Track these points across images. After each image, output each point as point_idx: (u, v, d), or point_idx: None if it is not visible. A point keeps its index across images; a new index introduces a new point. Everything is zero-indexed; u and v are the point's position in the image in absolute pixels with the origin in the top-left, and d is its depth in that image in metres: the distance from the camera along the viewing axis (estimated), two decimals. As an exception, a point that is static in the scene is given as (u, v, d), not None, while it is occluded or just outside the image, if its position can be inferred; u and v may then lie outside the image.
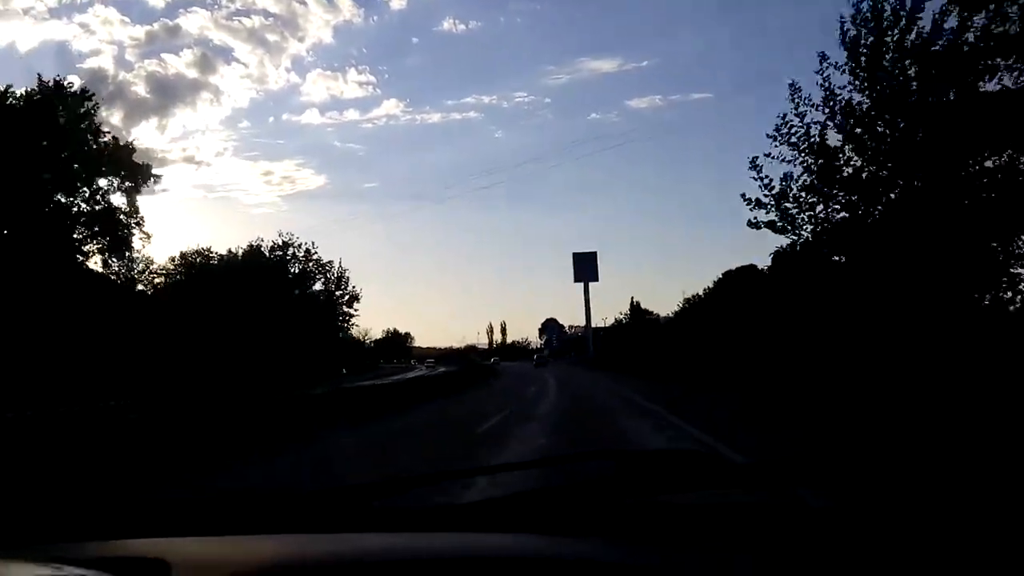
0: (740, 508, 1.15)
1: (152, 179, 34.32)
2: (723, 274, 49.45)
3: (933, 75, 11.34)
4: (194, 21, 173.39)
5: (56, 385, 27.91)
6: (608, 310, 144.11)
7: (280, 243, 57.45)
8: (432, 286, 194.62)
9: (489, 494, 1.33)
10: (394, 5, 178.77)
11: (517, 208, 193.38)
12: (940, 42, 11.37)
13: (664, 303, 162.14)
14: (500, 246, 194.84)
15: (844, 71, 12.22)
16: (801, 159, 12.51)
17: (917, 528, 1.09)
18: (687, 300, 42.75)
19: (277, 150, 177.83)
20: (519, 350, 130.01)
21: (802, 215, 12.39)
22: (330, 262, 60.49)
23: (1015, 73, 10.53)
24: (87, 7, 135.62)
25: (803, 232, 12.65)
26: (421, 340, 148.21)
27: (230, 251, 59.66)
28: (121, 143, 34.22)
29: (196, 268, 57.72)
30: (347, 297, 62.08)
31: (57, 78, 32.76)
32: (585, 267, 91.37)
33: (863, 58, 12.01)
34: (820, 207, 12.48)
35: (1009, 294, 11.70)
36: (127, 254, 34.23)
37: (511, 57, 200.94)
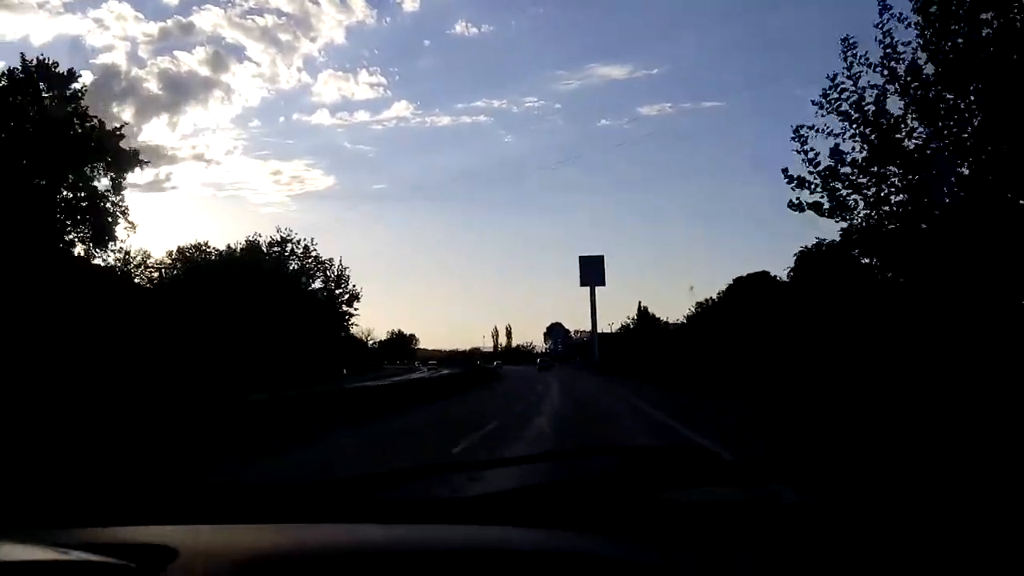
0: (739, 505, 1.16)
1: (140, 165, 32.73)
2: (734, 280, 47.98)
3: (1020, 29, 9.46)
4: (207, 19, 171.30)
5: (44, 378, 27.25)
6: (614, 315, 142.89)
7: (278, 239, 55.77)
8: (438, 289, 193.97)
9: (492, 488, 1.27)
10: (407, 7, 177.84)
11: (525, 212, 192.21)
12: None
13: (671, 309, 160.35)
14: (507, 250, 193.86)
15: (909, 24, 10.30)
16: (853, 131, 10.60)
17: (913, 527, 1.09)
18: (699, 304, 40.79)
19: (287, 150, 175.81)
20: (523, 354, 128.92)
21: (854, 197, 10.47)
22: (330, 260, 58.96)
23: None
24: (101, 2, 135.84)
25: (855, 216, 10.72)
26: (426, 342, 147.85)
27: (229, 247, 58.34)
28: (108, 128, 32.57)
29: (192, 263, 56.51)
30: (347, 296, 60.56)
31: (40, 57, 31.20)
32: (592, 271, 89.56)
33: (933, 6, 10.10)
34: (874, 188, 10.54)
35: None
36: (110, 244, 32.36)
37: (522, 61, 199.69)
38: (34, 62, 30.97)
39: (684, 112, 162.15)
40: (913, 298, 12.95)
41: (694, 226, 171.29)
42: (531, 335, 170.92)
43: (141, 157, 33.95)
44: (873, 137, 10.41)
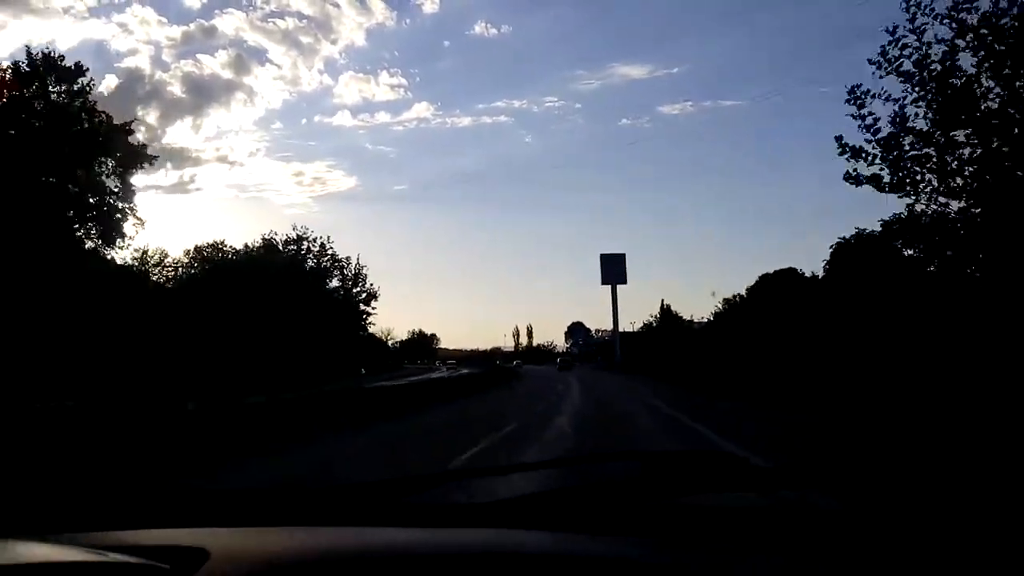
0: (763, 510, 1.17)
1: (149, 161, 31.92)
2: (760, 278, 46.30)
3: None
4: (229, 22, 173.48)
5: (56, 378, 27.00)
6: (636, 314, 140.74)
7: (294, 237, 55.01)
8: (460, 289, 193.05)
9: (515, 492, 1.27)
10: (426, 8, 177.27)
11: (546, 212, 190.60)
12: None
13: (695, 307, 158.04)
14: (528, 249, 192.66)
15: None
16: (917, 94, 9.14)
17: (940, 533, 1.08)
18: (727, 301, 39.21)
19: (309, 151, 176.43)
20: (544, 353, 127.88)
21: (919, 169, 9.01)
22: (347, 258, 58.10)
23: None
24: (125, 7, 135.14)
25: (921, 192, 9.28)
26: (448, 342, 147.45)
27: (247, 245, 57.81)
28: (116, 122, 31.85)
29: (209, 262, 56.13)
30: (364, 295, 59.66)
31: (46, 50, 30.52)
32: (613, 269, 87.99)
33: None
34: (942, 159, 9.06)
35: None
36: (119, 241, 31.61)
37: (542, 62, 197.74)
38: (40, 56, 30.31)
39: (704, 111, 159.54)
40: (969, 293, 11.76)
41: (716, 224, 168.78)
42: (552, 334, 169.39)
43: (158, 155, 33.26)
44: (941, 100, 8.95)
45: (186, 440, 9.83)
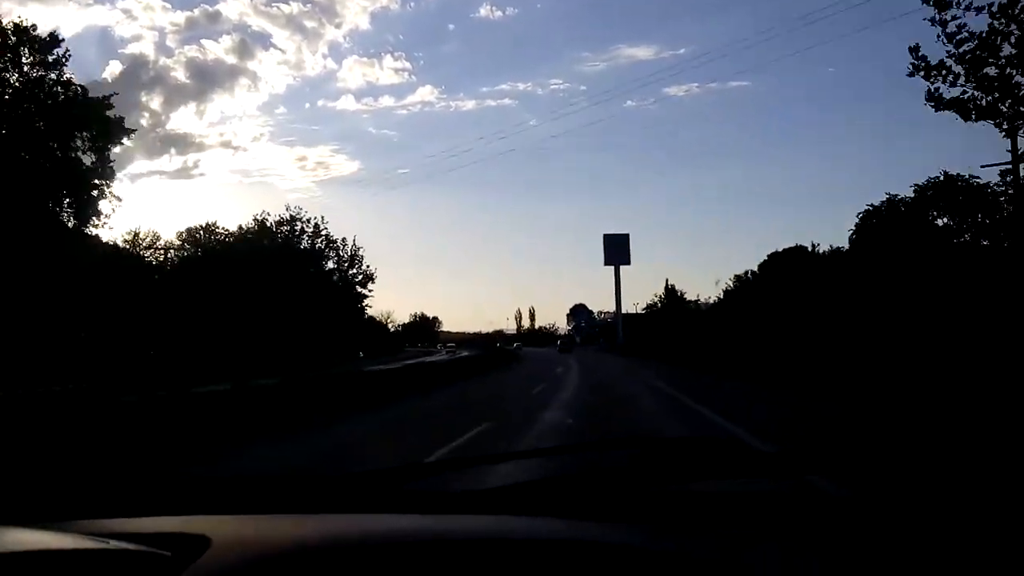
0: (763, 496, 1.15)
1: (126, 135, 30.47)
2: (769, 256, 44.85)
3: None
4: (233, 7, 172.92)
5: (50, 362, 26.24)
6: (640, 296, 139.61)
7: (287, 217, 53.58)
8: (463, 272, 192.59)
9: (517, 479, 1.25)
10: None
11: (550, 194, 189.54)
12: None
13: (699, 288, 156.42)
14: (532, 232, 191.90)
15: None
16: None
17: (937, 519, 1.08)
18: (737, 277, 37.85)
19: (312, 136, 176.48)
20: (546, 336, 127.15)
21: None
22: (343, 239, 56.65)
23: None
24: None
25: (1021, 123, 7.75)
26: (450, 325, 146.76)
27: (240, 227, 56.43)
28: (92, 95, 30.37)
29: (201, 245, 54.96)
30: (361, 276, 58.27)
31: (18, 20, 28.98)
32: (616, 250, 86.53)
33: None
34: None
35: None
36: (93, 219, 30.23)
37: (547, 44, 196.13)
38: (11, 27, 28.80)
39: (710, 92, 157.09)
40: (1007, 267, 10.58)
41: (721, 206, 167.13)
42: (555, 316, 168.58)
43: (136, 129, 31.79)
44: None
45: (186, 425, 9.79)
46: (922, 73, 7.59)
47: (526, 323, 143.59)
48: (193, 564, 0.89)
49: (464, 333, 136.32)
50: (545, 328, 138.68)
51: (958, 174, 15.10)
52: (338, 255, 56.58)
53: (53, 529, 0.99)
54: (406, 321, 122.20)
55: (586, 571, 0.93)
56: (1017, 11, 7.25)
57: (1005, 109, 7.47)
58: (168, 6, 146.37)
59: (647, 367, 29.62)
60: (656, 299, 63.44)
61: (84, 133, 29.43)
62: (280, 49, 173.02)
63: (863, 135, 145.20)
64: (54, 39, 28.66)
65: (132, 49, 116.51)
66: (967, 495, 1.19)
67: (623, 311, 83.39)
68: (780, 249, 41.28)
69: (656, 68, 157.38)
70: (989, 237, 13.86)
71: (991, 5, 7.53)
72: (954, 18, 7.57)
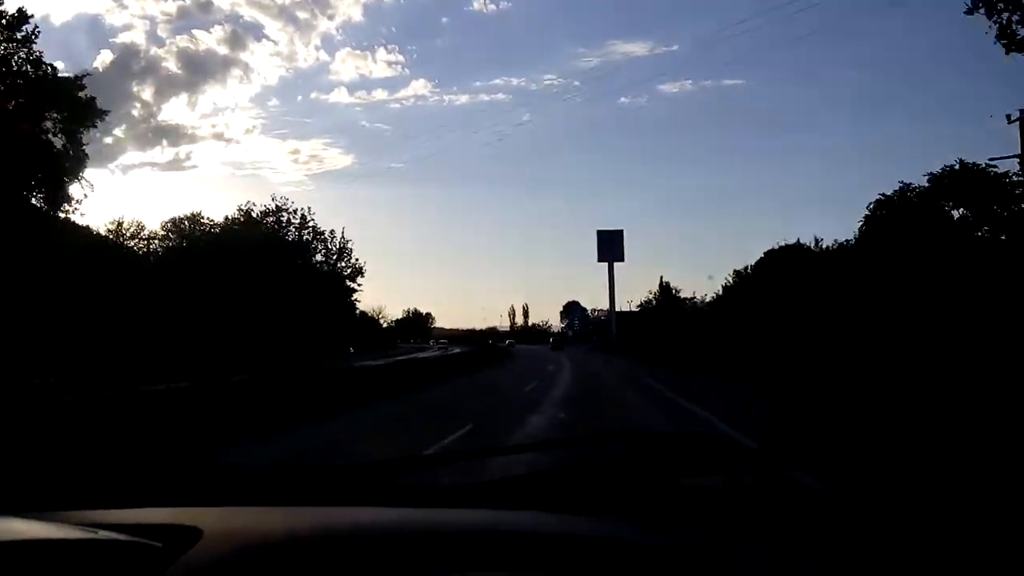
0: (752, 491, 1.17)
1: (100, 117, 29.22)
2: (765, 254, 43.94)
3: None
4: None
5: (31, 355, 25.30)
6: (634, 294, 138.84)
7: (273, 208, 52.35)
8: (457, 268, 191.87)
9: (508, 473, 1.26)
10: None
11: (544, 190, 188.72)
12: None
13: (694, 286, 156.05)
14: (526, 228, 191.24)
15: None
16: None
17: (929, 516, 1.08)
18: (736, 273, 36.96)
19: (305, 129, 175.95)
20: (539, 333, 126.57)
21: None
22: (331, 231, 55.48)
23: None
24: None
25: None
26: (444, 322, 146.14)
27: (227, 218, 55.26)
28: (63, 74, 29.16)
29: (186, 236, 53.88)
30: (349, 270, 57.14)
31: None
32: (610, 246, 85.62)
33: None
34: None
35: None
36: (64, 205, 29.03)
37: (541, 39, 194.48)
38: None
39: (704, 89, 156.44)
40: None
41: (716, 203, 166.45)
42: (549, 314, 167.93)
43: (110, 110, 30.59)
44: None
45: (177, 420, 9.70)
46: (983, 8, 6.66)
47: (520, 320, 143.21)
48: (184, 555, 0.89)
49: (457, 330, 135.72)
50: (539, 325, 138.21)
51: (974, 163, 14.27)
52: (326, 248, 55.48)
53: (44, 519, 0.99)
54: (399, 317, 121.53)
55: (577, 565, 0.92)
56: None
57: None
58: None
59: (641, 366, 28.92)
60: (651, 296, 62.47)
61: (55, 114, 28.22)
62: (272, 40, 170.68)
63: (860, 133, 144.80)
64: (22, 16, 27.40)
65: (123, 38, 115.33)
66: (950, 491, 1.18)
67: (617, 309, 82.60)
68: (778, 246, 40.41)
69: (650, 64, 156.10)
70: (1008, 231, 12.89)
71: None
72: None
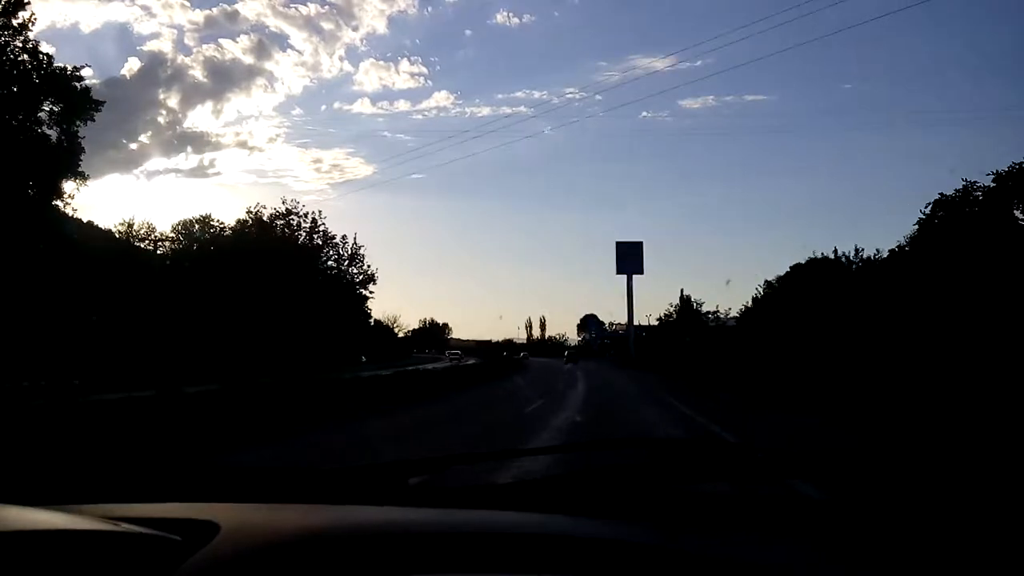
0: (764, 499, 1.17)
1: (96, 108, 27.91)
2: (791, 268, 41.68)
3: None
4: (251, 7, 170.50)
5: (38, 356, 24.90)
6: (654, 307, 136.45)
7: (283, 211, 50.94)
8: (475, 279, 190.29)
9: (521, 477, 1.18)
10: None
11: (564, 203, 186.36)
12: None
13: (716, 300, 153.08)
14: (545, 241, 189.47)
15: None
16: None
17: (931, 525, 1.08)
18: (767, 284, 34.84)
19: (328, 138, 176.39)
20: (554, 346, 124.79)
21: None
22: (343, 236, 53.88)
23: None
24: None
25: None
26: (460, 332, 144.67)
27: (238, 221, 53.91)
28: (58, 65, 27.85)
29: (195, 239, 52.81)
30: (361, 276, 55.50)
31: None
32: (629, 258, 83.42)
33: None
34: None
35: None
36: (56, 198, 27.68)
37: (563, 52, 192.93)
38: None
39: (727, 105, 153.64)
40: None
41: (738, 218, 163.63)
42: (566, 327, 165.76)
43: (105, 100, 29.24)
44: None
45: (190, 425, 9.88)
46: None
47: (536, 333, 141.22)
48: (202, 549, 0.91)
49: (475, 341, 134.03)
50: (555, 338, 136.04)
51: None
52: (337, 253, 53.91)
53: (69, 512, 1.01)
54: (416, 327, 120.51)
55: (587, 567, 0.94)
56: None
57: None
58: (186, 4, 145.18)
59: (667, 389, 26.32)
60: (671, 309, 60.21)
61: (51, 107, 26.94)
62: (297, 50, 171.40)
63: (882, 149, 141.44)
64: (19, 2, 26.21)
65: (150, 47, 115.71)
66: (950, 502, 1.18)
67: (636, 323, 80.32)
68: (815, 255, 38.07)
69: (672, 79, 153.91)
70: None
71: None
72: None
